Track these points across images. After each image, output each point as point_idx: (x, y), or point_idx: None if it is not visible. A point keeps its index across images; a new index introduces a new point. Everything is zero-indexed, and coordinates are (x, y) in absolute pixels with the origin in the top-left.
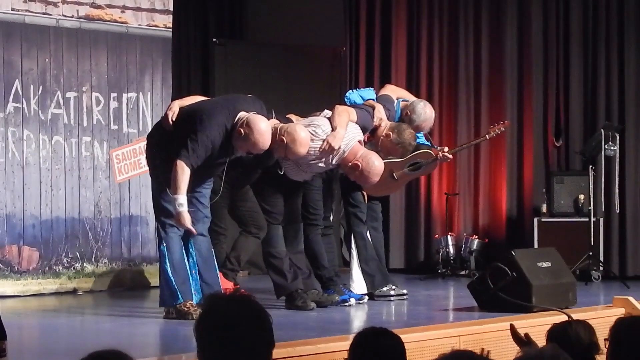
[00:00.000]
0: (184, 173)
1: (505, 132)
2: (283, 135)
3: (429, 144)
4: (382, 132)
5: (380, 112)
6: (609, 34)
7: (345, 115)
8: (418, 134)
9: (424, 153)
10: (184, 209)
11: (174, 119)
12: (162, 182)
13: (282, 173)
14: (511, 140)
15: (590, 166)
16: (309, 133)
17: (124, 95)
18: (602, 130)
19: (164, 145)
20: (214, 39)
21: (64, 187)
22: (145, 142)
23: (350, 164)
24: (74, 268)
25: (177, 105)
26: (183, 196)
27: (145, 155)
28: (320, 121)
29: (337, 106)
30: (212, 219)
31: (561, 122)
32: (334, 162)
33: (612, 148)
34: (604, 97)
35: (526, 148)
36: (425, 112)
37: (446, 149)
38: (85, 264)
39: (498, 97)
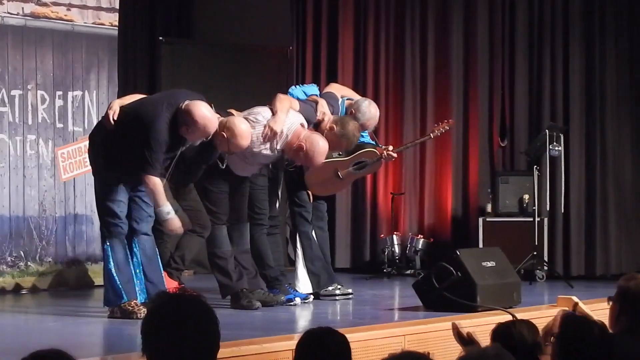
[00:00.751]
0: (156, 185)
1: (450, 131)
2: (223, 131)
3: (373, 143)
4: (326, 126)
5: (323, 106)
6: (554, 34)
7: (287, 101)
8: (363, 133)
9: (369, 152)
10: (172, 215)
11: (115, 118)
12: (105, 181)
13: (223, 167)
14: (457, 140)
15: (535, 166)
16: (249, 123)
17: (70, 94)
18: (547, 130)
19: (107, 145)
20: (161, 38)
21: (9, 185)
22: (88, 142)
23: (294, 146)
24: (18, 267)
25: (117, 104)
26: (167, 205)
27: (87, 154)
28: (259, 109)
29: (278, 94)
30: (155, 218)
31: (506, 122)
32: (278, 147)
33: (556, 149)
34: (548, 98)
35: (472, 148)
36: (370, 110)
37: (391, 147)
38: (29, 263)
39: (444, 96)
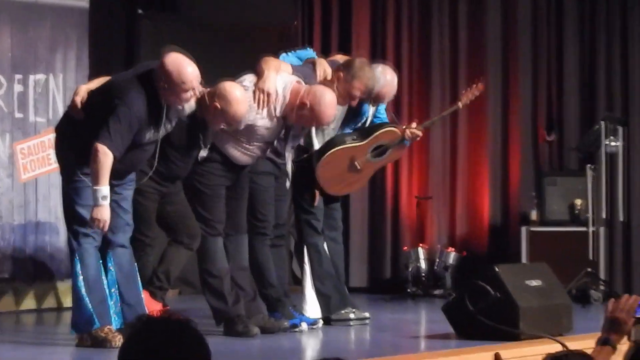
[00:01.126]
0: (106, 159)
1: (486, 122)
2: (215, 102)
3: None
4: (333, 78)
5: (323, 64)
6: (609, 8)
7: (274, 62)
8: (380, 109)
9: (388, 132)
10: (106, 202)
11: (82, 105)
12: (76, 180)
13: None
14: (494, 133)
15: (589, 165)
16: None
17: (31, 77)
18: (602, 122)
19: (76, 136)
20: (140, 11)
21: None
22: (55, 135)
23: (296, 105)
24: None
25: (84, 89)
26: (106, 187)
27: (55, 149)
28: (245, 75)
29: (263, 57)
30: (136, 226)
31: (553, 113)
32: (277, 113)
33: (614, 143)
34: (604, 84)
35: (512, 143)
36: (385, 76)
37: (414, 124)
38: None
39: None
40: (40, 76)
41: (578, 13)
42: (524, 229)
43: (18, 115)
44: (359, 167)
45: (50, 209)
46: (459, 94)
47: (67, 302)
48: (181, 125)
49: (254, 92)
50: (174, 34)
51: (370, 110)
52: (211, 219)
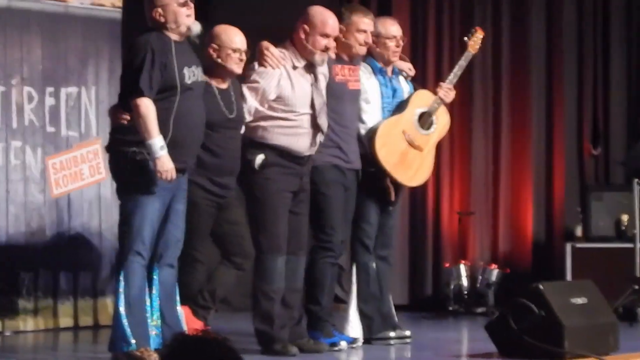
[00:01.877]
0: (147, 110)
1: (529, 136)
2: (212, 43)
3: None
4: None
5: None
6: None
7: None
8: (398, 78)
9: (420, 94)
10: (165, 151)
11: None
12: (139, 191)
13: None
14: (538, 147)
15: (636, 180)
16: (253, 84)
17: (63, 90)
18: None
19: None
20: None
21: None
22: (88, 148)
23: (301, 37)
24: None
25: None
26: (159, 137)
27: (110, 168)
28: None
29: None
30: (189, 239)
31: (599, 125)
32: (293, 63)
33: None
34: None
35: (556, 157)
36: (386, 25)
37: (441, 83)
38: (13, 298)
39: (521, 94)
40: (72, 89)
41: (625, 22)
42: (568, 246)
43: (50, 129)
44: (417, 144)
45: (84, 224)
46: (467, 45)
47: (104, 319)
48: (212, 101)
49: (260, 59)
50: (208, 42)
51: (402, 83)
52: (274, 234)
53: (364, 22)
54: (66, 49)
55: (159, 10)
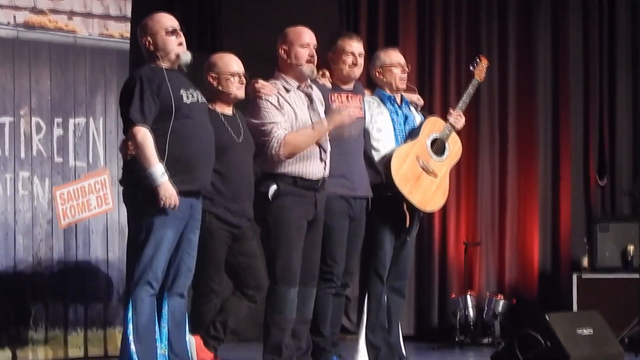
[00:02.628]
0: (144, 138)
1: (535, 167)
2: (210, 72)
3: (420, 115)
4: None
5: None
6: None
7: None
8: (409, 107)
9: (432, 121)
10: (166, 178)
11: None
12: (151, 219)
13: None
14: (544, 177)
15: None
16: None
17: (71, 121)
18: None
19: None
20: None
21: None
22: (96, 179)
23: (282, 56)
24: (7, 333)
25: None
26: (159, 165)
27: (124, 198)
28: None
29: None
30: (206, 269)
31: (606, 156)
32: (283, 85)
33: None
34: None
35: (563, 188)
36: (388, 52)
37: (451, 110)
38: (20, 328)
39: (527, 124)
40: (80, 119)
41: (632, 51)
42: (575, 276)
43: (58, 159)
44: (431, 170)
45: (90, 255)
46: (473, 74)
47: (112, 349)
48: (220, 126)
49: (255, 94)
50: None
51: (413, 111)
52: (288, 264)
53: (349, 44)
54: (75, 79)
55: (149, 38)
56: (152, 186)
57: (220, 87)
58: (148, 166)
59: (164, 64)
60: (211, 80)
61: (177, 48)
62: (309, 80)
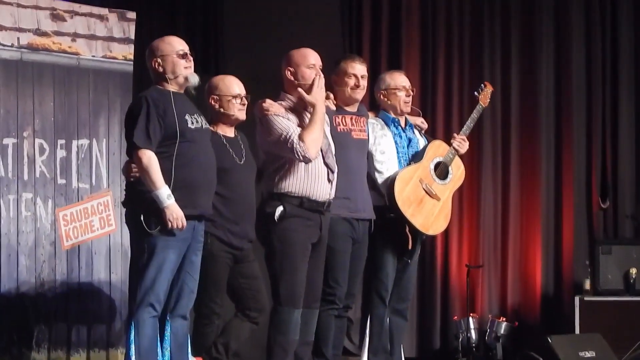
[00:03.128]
0: (149, 161)
1: (538, 189)
2: (212, 95)
3: (424, 139)
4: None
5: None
6: None
7: None
8: (414, 133)
9: (435, 145)
10: (172, 200)
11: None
12: (148, 241)
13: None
14: (547, 200)
15: None
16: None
17: (74, 142)
18: None
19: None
20: None
21: None
22: (99, 200)
23: (288, 77)
24: (9, 354)
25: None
26: (165, 187)
27: (126, 220)
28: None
29: None
30: (207, 291)
31: (608, 178)
32: (290, 103)
33: None
34: None
35: (565, 210)
36: (393, 75)
37: (455, 135)
38: (23, 350)
39: (530, 146)
40: (84, 141)
41: (635, 73)
42: (577, 299)
43: (61, 181)
44: (433, 193)
45: (93, 276)
46: (477, 99)
47: None
48: (221, 149)
49: (262, 113)
50: None
51: (417, 134)
52: (292, 286)
53: (352, 66)
54: (78, 101)
55: (158, 60)
56: (159, 208)
57: (221, 109)
58: (154, 189)
59: (172, 87)
60: (213, 102)
61: (186, 71)
62: None
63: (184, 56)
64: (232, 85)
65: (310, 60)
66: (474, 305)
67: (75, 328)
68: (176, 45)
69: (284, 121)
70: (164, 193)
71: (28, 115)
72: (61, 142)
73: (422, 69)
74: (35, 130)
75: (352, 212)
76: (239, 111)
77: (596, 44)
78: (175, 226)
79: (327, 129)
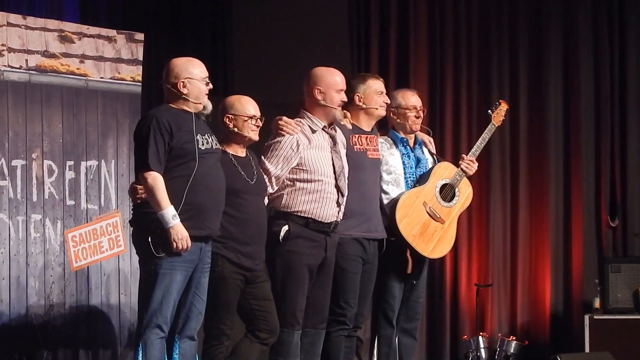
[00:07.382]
0: (155, 181)
1: (547, 208)
2: (227, 114)
3: (433, 158)
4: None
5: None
6: None
7: None
8: (422, 151)
9: (443, 167)
10: (177, 220)
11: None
12: (155, 264)
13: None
14: (556, 219)
15: None
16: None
17: (82, 164)
18: None
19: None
20: None
21: (8, 275)
22: (108, 221)
23: (315, 97)
24: None
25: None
26: (170, 208)
27: (133, 241)
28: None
29: None
30: (217, 313)
31: (617, 197)
32: (311, 126)
33: None
34: None
35: (574, 229)
36: (406, 94)
37: (464, 156)
38: None
39: (538, 166)
40: (92, 162)
41: None
42: (586, 317)
43: (69, 202)
44: (438, 216)
45: (102, 298)
46: (491, 118)
47: None
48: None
49: (277, 131)
50: None
51: (426, 154)
52: (292, 308)
53: (379, 84)
54: (86, 122)
55: (185, 82)
56: (164, 229)
57: (235, 129)
58: (159, 209)
59: (186, 108)
60: (227, 121)
61: (205, 97)
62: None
63: (207, 84)
64: (248, 106)
65: (340, 85)
66: (484, 324)
67: (84, 349)
68: (204, 70)
69: (277, 160)
70: (169, 213)
71: (37, 137)
72: (70, 163)
73: (430, 88)
74: (44, 151)
75: (365, 232)
76: (252, 132)
77: (605, 61)
78: (180, 247)
79: (343, 151)
